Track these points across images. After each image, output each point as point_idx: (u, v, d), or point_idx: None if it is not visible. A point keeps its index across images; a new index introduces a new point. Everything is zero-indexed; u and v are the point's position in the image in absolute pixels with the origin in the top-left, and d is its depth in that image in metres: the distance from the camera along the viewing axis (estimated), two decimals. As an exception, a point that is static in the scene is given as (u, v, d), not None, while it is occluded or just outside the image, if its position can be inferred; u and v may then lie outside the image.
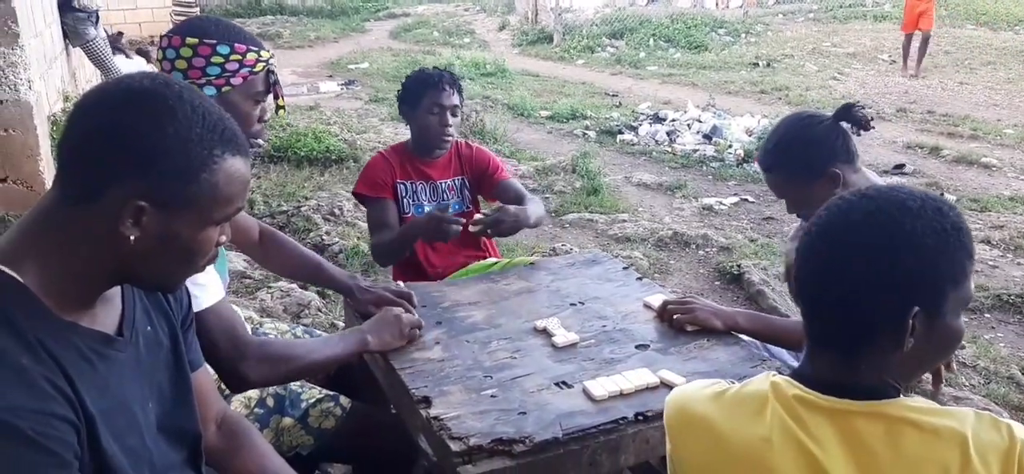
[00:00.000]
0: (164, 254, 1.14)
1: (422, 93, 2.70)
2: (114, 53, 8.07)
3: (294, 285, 3.83)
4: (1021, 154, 7.26)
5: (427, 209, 2.78)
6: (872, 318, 1.06)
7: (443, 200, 2.82)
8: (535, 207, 2.73)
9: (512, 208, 2.61)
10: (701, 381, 1.25)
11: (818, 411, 1.06)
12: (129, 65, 8.14)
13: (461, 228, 2.48)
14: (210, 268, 1.38)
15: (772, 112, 8.23)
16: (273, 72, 1.85)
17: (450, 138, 2.76)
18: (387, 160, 2.80)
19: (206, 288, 1.57)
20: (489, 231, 2.58)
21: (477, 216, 2.62)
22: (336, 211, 5.16)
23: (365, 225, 4.87)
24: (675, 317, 2.01)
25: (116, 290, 1.22)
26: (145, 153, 1.07)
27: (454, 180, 2.85)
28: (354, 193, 2.84)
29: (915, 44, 9.91)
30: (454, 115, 2.74)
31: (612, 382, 1.69)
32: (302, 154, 6.31)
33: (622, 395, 1.66)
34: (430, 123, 2.71)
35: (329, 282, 2.27)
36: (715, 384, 1.21)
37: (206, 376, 1.49)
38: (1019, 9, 14.93)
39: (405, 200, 2.77)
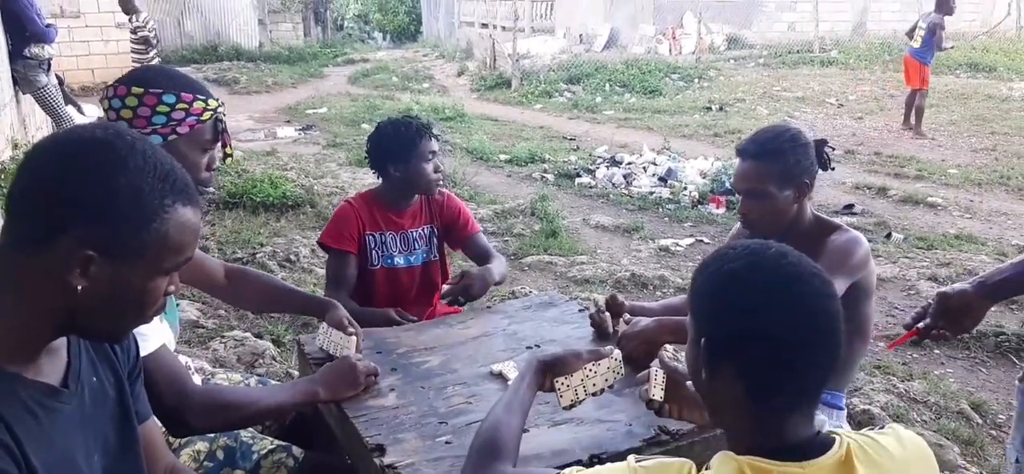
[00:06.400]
0: (112, 304, 1.13)
1: (415, 143, 2.69)
2: (66, 103, 7.96)
3: (248, 334, 3.78)
4: (965, 194, 7.48)
5: (398, 261, 2.78)
6: (837, 361, 1.13)
7: (413, 249, 2.82)
8: (499, 265, 2.78)
9: (476, 269, 2.65)
10: (609, 470, 1.16)
11: None
12: (81, 118, 8.02)
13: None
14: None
15: (726, 154, 8.38)
16: (222, 120, 1.86)
17: (441, 184, 2.80)
18: (356, 211, 2.76)
19: (147, 337, 1.55)
20: (460, 298, 2.58)
21: (445, 287, 2.64)
22: (292, 257, 5.12)
23: (322, 271, 4.87)
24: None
25: (62, 341, 1.20)
26: (95, 203, 1.07)
27: (424, 228, 2.84)
28: (319, 242, 2.81)
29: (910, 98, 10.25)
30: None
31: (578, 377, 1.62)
32: (258, 200, 6.25)
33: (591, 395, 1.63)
34: (425, 171, 2.71)
35: (306, 303, 2.32)
36: (645, 467, 1.13)
37: (154, 428, 1.46)
38: (958, 54, 15.51)
39: (374, 252, 2.75)
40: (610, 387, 1.62)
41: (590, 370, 1.59)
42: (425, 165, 2.70)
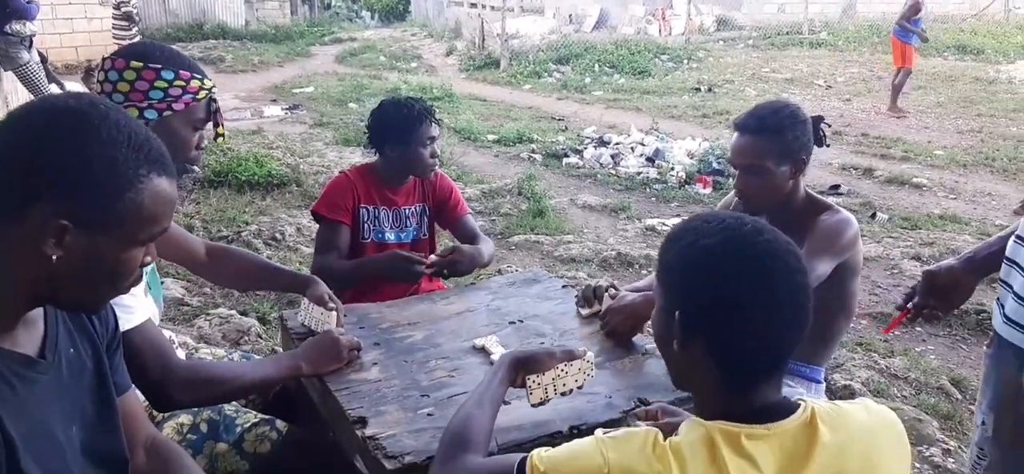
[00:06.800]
0: (87, 274, 1.12)
1: (415, 126, 2.67)
2: (49, 81, 7.89)
3: (233, 311, 3.77)
4: (950, 174, 7.53)
5: (389, 236, 2.77)
6: (805, 333, 1.14)
7: (405, 226, 2.81)
8: (488, 247, 2.78)
9: (467, 248, 2.66)
10: (576, 446, 1.15)
11: (763, 440, 1.08)
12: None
13: (425, 269, 2.51)
14: (136, 289, 1.36)
15: (713, 135, 8.40)
16: (215, 100, 1.86)
17: (437, 168, 2.79)
18: (351, 183, 2.75)
19: (132, 310, 1.55)
20: (445, 271, 2.58)
21: (432, 257, 2.64)
22: (277, 236, 5.11)
23: (308, 250, 4.86)
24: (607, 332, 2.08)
25: (39, 312, 1.19)
26: (68, 173, 1.06)
27: (416, 207, 2.84)
28: (312, 211, 2.81)
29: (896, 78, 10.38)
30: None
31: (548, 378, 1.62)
32: (243, 179, 6.23)
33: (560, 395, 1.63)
34: (422, 155, 2.69)
35: (289, 281, 2.29)
36: (613, 437, 1.12)
37: (134, 399, 1.46)
38: (947, 36, 15.57)
39: (366, 225, 2.74)
40: (579, 388, 1.63)
41: (561, 370, 1.60)
42: (423, 150, 2.69)
